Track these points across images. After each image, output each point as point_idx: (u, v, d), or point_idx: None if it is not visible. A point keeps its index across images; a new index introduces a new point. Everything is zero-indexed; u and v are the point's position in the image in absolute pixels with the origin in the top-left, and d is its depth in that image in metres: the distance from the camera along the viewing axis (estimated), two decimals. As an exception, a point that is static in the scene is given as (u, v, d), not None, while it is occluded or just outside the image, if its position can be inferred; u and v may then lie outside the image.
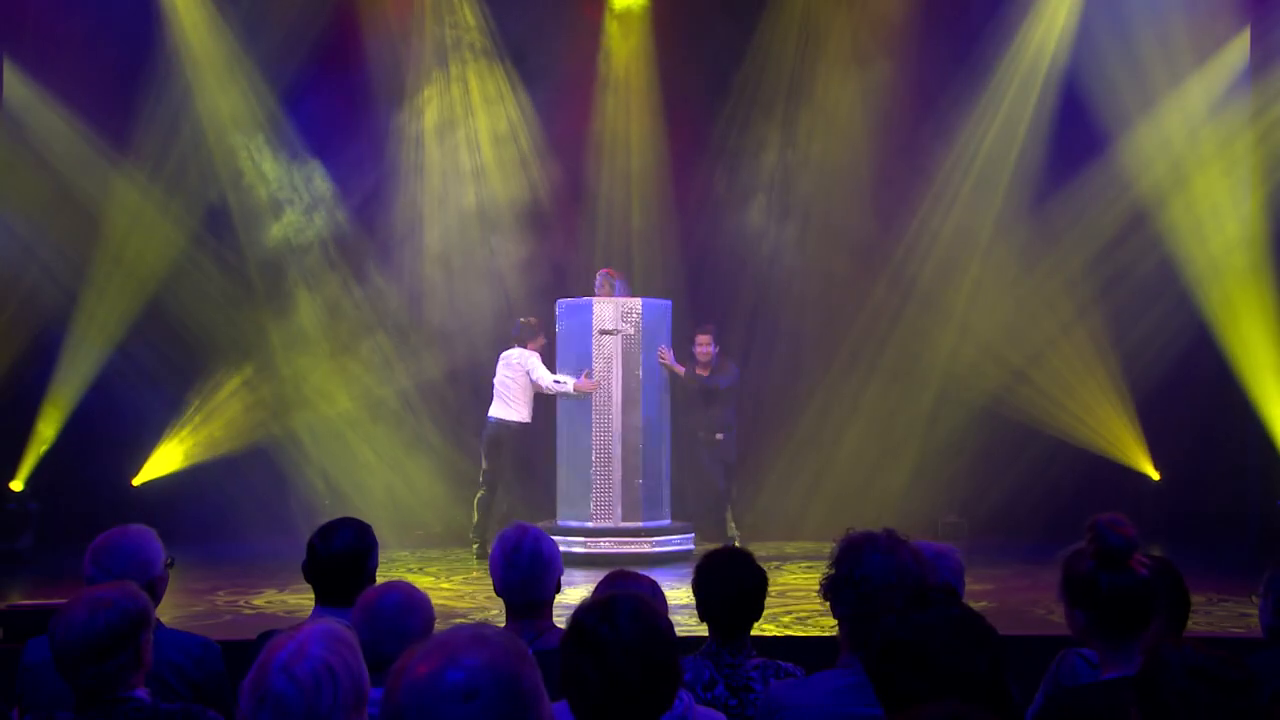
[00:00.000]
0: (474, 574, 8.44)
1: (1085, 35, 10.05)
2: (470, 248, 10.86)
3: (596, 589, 3.14)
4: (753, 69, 10.93)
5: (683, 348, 9.41)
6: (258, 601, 7.40)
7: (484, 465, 9.28)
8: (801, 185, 10.84)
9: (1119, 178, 9.99)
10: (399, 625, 2.83)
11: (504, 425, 9.13)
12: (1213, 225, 9.74)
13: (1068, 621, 2.73)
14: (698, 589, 3.28)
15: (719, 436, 9.41)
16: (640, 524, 8.83)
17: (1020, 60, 10.40)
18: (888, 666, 2.10)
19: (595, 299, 9.07)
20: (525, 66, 10.91)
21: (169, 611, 6.43)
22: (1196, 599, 3.14)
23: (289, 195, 10.55)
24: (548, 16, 10.92)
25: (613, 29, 11.12)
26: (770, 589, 3.32)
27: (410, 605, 2.90)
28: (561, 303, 9.34)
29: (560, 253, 10.92)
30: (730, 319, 10.62)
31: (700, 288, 10.77)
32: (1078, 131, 10.08)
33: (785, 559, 9.02)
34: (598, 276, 9.40)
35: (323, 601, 3.39)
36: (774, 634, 6.03)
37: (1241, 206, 9.72)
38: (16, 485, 9.58)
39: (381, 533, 3.70)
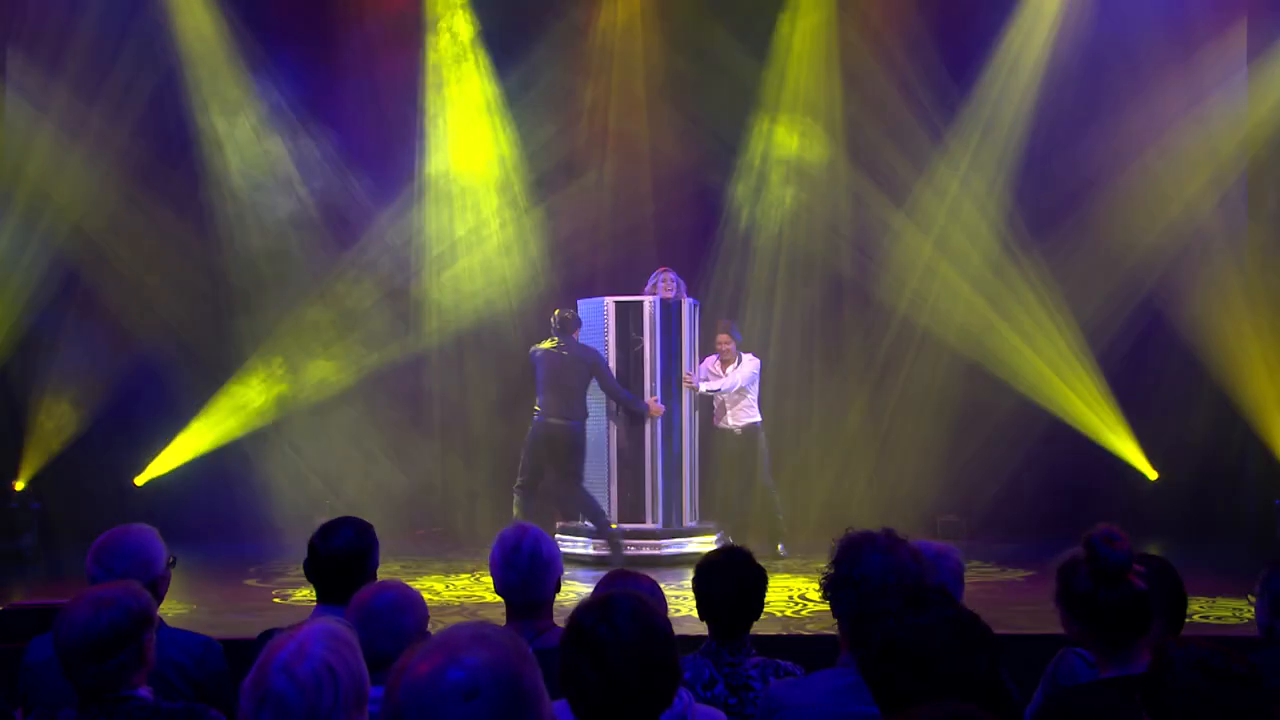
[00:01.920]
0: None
1: (1081, 35, 10.03)
2: (471, 237, 10.85)
3: (596, 589, 3.16)
4: (752, 63, 10.93)
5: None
6: (259, 601, 7.41)
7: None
8: (799, 183, 10.84)
9: (1114, 179, 9.99)
10: (393, 624, 2.85)
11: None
12: (1209, 225, 9.75)
13: (1064, 627, 2.74)
14: (698, 588, 3.30)
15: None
16: (664, 525, 8.75)
17: (1017, 55, 10.38)
18: (886, 668, 2.11)
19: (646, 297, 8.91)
20: (525, 49, 10.86)
21: (171, 611, 6.45)
22: (1193, 599, 3.15)
23: (287, 189, 10.55)
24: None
25: (612, 12, 11.09)
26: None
27: (404, 604, 2.91)
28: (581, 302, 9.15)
29: (561, 242, 10.95)
30: (726, 314, 10.62)
31: (697, 283, 10.73)
32: (1075, 131, 10.08)
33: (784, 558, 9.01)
34: (653, 275, 9.19)
35: (323, 600, 3.41)
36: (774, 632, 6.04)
37: (1238, 206, 9.73)
38: (19, 484, 9.59)
39: (382, 532, 3.70)
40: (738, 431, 9.08)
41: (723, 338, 9.07)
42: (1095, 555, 2.63)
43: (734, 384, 8.99)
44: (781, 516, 9.03)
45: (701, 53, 10.74)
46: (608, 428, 8.89)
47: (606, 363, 8.72)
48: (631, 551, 8.50)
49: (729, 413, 9.11)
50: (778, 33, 10.85)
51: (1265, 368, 9.37)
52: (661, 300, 8.89)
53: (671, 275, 9.18)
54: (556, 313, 8.70)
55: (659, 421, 8.80)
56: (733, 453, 9.16)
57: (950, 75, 10.46)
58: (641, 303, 8.87)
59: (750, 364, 9.07)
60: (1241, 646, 2.20)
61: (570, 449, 8.55)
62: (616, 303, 8.91)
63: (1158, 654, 2.12)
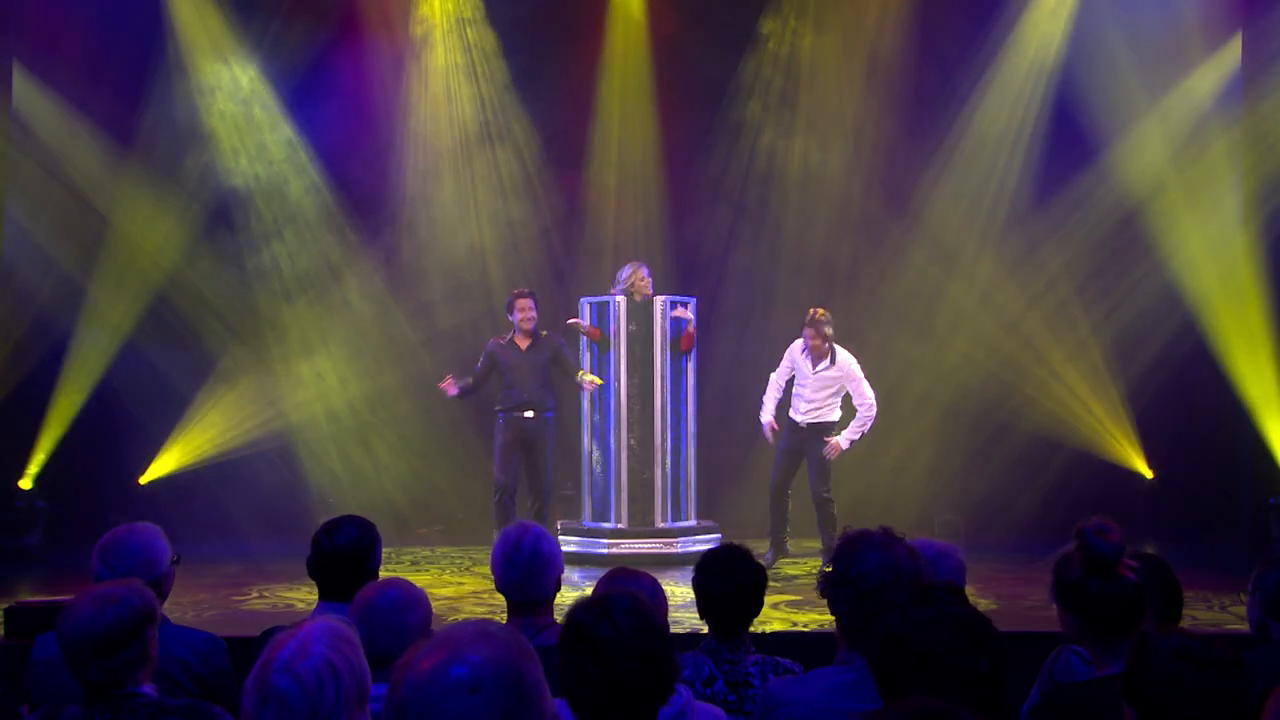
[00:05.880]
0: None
1: (1079, 42, 10.04)
2: (472, 236, 10.87)
3: (596, 587, 3.18)
4: (751, 61, 10.94)
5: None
6: (263, 599, 7.43)
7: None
8: (796, 183, 10.85)
9: (1113, 181, 9.99)
10: (396, 622, 2.87)
11: None
12: (1206, 227, 9.75)
13: (1060, 622, 2.76)
14: (697, 586, 3.31)
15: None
16: (666, 525, 8.74)
17: (1016, 62, 10.39)
18: (888, 662, 2.13)
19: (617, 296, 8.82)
20: (524, 42, 10.84)
21: (174, 609, 6.48)
22: (1189, 597, 3.17)
23: (292, 189, 10.57)
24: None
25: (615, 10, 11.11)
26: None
27: (408, 602, 2.93)
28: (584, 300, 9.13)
29: (561, 238, 10.95)
30: (724, 314, 10.63)
31: (694, 282, 10.73)
32: (1073, 134, 10.06)
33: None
34: (625, 268, 8.95)
35: (326, 598, 3.43)
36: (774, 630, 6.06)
37: (1235, 209, 9.73)
38: (25, 483, 9.61)
39: (386, 530, 3.73)
40: (804, 426, 8.40)
41: (821, 314, 8.23)
42: (1087, 545, 2.65)
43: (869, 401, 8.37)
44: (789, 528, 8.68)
45: (702, 44, 10.76)
46: (584, 424, 8.99)
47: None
48: (602, 550, 8.55)
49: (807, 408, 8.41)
50: (778, 29, 10.88)
51: (1260, 367, 9.36)
52: (618, 299, 8.79)
53: (625, 271, 8.89)
54: None
55: (619, 420, 8.73)
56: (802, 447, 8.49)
57: (956, 80, 10.48)
58: (608, 301, 8.85)
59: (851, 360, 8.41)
60: (1234, 644, 2.21)
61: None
62: (590, 303, 8.99)
63: (1140, 642, 2.12)
